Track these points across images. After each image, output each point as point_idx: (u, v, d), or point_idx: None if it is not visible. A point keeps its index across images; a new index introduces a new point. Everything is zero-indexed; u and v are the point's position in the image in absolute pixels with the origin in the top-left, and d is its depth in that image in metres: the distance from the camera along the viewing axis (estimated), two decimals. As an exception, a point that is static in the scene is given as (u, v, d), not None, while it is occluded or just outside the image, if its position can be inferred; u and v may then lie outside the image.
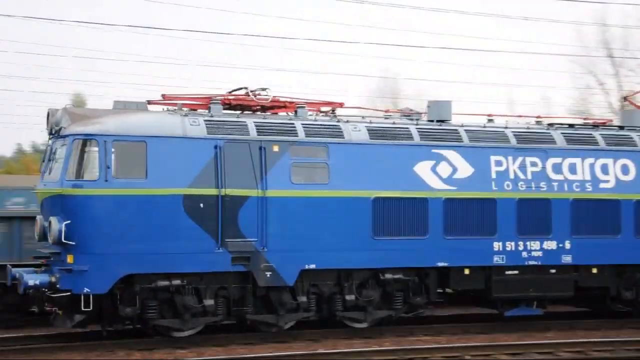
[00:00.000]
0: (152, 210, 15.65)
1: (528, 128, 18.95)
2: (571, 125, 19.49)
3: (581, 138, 18.99)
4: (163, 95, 17.01)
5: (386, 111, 18.79)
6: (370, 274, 17.30)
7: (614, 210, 18.75)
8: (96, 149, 15.54)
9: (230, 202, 16.12)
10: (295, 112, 17.56)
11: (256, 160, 16.41)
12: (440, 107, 18.64)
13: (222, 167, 16.14)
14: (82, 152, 15.62)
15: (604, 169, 18.84)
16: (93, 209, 15.44)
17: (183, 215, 15.81)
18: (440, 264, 17.55)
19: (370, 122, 17.71)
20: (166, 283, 15.85)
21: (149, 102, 17.00)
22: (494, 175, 18.02)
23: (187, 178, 15.91)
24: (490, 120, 19.10)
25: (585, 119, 21.50)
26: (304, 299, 16.92)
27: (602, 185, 18.78)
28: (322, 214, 16.71)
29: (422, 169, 17.51)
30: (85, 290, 15.36)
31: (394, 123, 17.90)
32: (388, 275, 17.27)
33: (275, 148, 16.59)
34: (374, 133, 17.41)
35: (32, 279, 15.56)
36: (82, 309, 15.38)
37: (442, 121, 18.34)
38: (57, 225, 15.37)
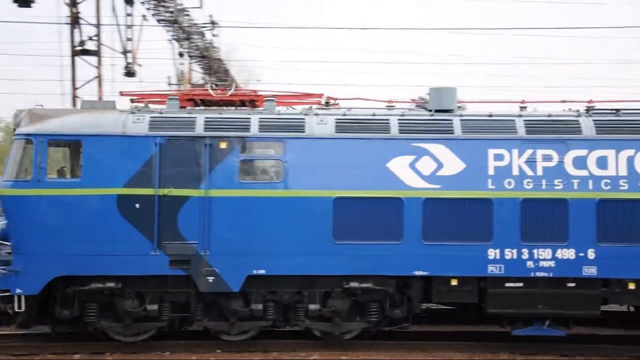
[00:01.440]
0: (85, 211, 15.09)
1: (549, 116, 15.79)
2: (617, 111, 15.94)
3: (618, 125, 15.50)
4: (120, 92, 16.37)
5: (389, 102, 16.52)
6: (336, 282, 15.46)
7: None
8: (40, 147, 15.32)
9: (168, 203, 15.12)
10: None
11: (200, 158, 15.23)
12: (442, 94, 16.07)
13: (161, 166, 15.20)
14: (22, 152, 15.43)
15: None
16: (26, 210, 15.18)
17: (117, 216, 15.08)
18: (418, 273, 15.22)
19: (344, 115, 15.73)
20: (100, 285, 15.29)
21: (121, 94, 16.48)
22: (491, 172, 15.23)
23: (124, 177, 15.15)
24: (523, 108, 16.22)
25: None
26: (259, 306, 15.54)
27: (641, 183, 15.22)
28: (274, 216, 15.16)
29: (398, 165, 15.23)
30: (17, 291, 15.24)
31: (373, 114, 15.77)
32: (354, 284, 15.30)
33: (223, 145, 15.28)
34: (341, 126, 15.44)
35: None
36: (16, 309, 15.31)
37: (445, 111, 15.89)
38: None
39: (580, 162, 15.22)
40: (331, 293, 15.52)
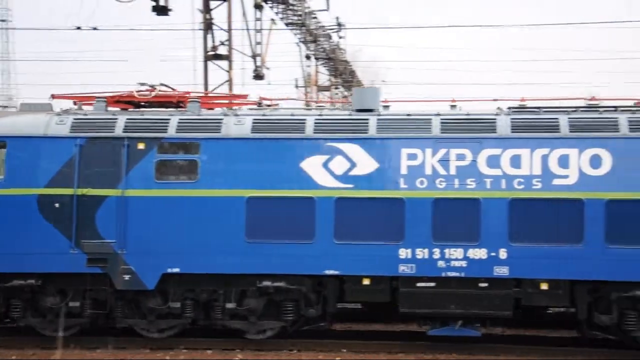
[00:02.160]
0: (8, 210, 15.59)
1: (467, 114, 15.70)
2: (539, 109, 15.69)
3: (533, 124, 15.33)
4: (52, 95, 16.84)
5: (318, 102, 16.66)
6: (250, 281, 15.60)
7: (575, 212, 14.91)
8: (-38, 150, 15.92)
9: (87, 202, 15.51)
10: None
11: (118, 158, 15.58)
12: (365, 94, 16.16)
13: (80, 166, 15.60)
14: (-47, 153, 16.04)
15: (563, 162, 15.05)
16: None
17: (37, 215, 15.53)
18: (330, 272, 15.27)
19: (263, 115, 15.90)
20: (21, 282, 15.73)
21: (53, 96, 16.96)
22: (404, 171, 15.23)
23: (45, 178, 15.61)
24: (453, 107, 16.20)
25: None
26: (177, 305, 15.78)
27: (557, 182, 14.99)
28: (189, 215, 15.39)
29: (311, 164, 15.33)
30: None
31: (291, 115, 15.91)
32: (267, 283, 15.45)
33: (141, 145, 15.61)
34: (257, 126, 15.62)
35: None
36: None
37: (367, 111, 15.93)
38: None
39: (493, 161, 15.10)
40: (246, 292, 15.71)
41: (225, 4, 28.00)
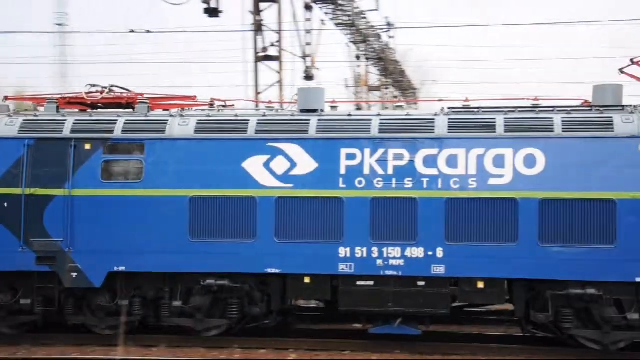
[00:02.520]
0: (-41, 209, 16.04)
1: (407, 115, 15.92)
2: (478, 109, 15.85)
3: (469, 124, 15.52)
4: (5, 97, 17.21)
5: (269, 102, 16.94)
6: (195, 279, 15.91)
7: (509, 211, 15.09)
8: None
9: (35, 202, 15.89)
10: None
11: (66, 159, 15.94)
12: (309, 95, 16.39)
13: (28, 166, 15.97)
14: None
15: (498, 161, 15.22)
16: None
17: None
18: (271, 271, 15.57)
19: (208, 116, 16.19)
20: None
21: (6, 98, 17.36)
22: (343, 171, 15.46)
23: (-7, 177, 16.04)
24: (398, 107, 16.43)
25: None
26: (125, 302, 16.14)
27: (492, 182, 15.18)
28: (134, 214, 15.73)
29: (252, 165, 15.61)
30: None
31: (235, 115, 16.19)
32: (210, 281, 15.76)
33: (87, 146, 15.96)
34: (201, 127, 15.92)
35: None
36: None
37: (312, 111, 16.18)
38: None
39: (430, 161, 15.31)
40: (192, 290, 16.04)
41: (276, 5, 28.30)
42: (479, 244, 15.06)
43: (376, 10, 38.00)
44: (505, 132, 15.23)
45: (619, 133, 14.97)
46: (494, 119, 15.47)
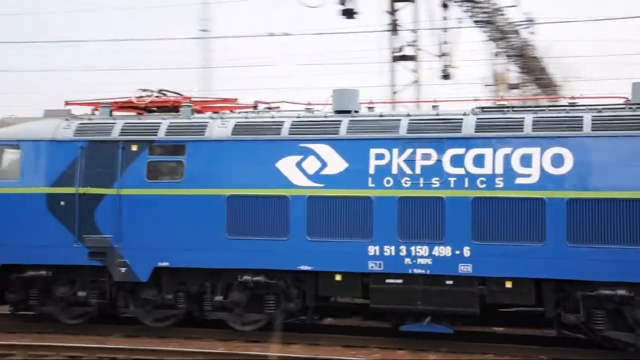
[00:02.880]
0: (22, 207, 17.20)
1: (437, 115, 15.91)
2: (511, 108, 15.73)
3: (496, 124, 15.37)
4: (65, 102, 18.30)
5: (308, 104, 17.30)
6: (233, 275, 16.49)
7: (536, 211, 14.89)
8: (-14, 152, 17.67)
9: (87, 200, 16.89)
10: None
11: (115, 160, 16.85)
12: (344, 96, 16.65)
13: (82, 167, 16.97)
14: (-22, 156, 17.80)
15: (525, 161, 15.02)
16: (-23, 205, 17.57)
17: (46, 211, 17.05)
18: (303, 268, 15.96)
19: (246, 118, 16.71)
20: (34, 273, 17.30)
21: (66, 103, 18.45)
22: (372, 171, 15.66)
23: (52, 178, 17.11)
24: (434, 107, 16.52)
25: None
26: (169, 296, 16.91)
27: (519, 181, 15.01)
28: (176, 213, 16.48)
29: (286, 164, 16.05)
30: None
31: (272, 117, 16.63)
32: (247, 277, 16.30)
33: (134, 147, 16.81)
34: (237, 129, 16.46)
35: None
36: None
37: (346, 112, 16.46)
38: None
39: (457, 161, 15.31)
40: (231, 285, 16.66)
41: (411, 4, 28.44)
42: (505, 243, 15.04)
43: (515, 6, 37.12)
44: (533, 131, 15.08)
45: None
46: (523, 117, 15.33)
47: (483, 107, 16.01)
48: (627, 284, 14.60)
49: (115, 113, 18.03)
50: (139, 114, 18.17)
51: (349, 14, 27.34)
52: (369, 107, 16.87)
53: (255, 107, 17.83)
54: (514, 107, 15.86)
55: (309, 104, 17.25)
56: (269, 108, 17.85)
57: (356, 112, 16.48)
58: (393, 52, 28.12)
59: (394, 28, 28.11)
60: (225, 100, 17.86)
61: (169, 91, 18.09)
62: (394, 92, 28.35)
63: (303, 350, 15.92)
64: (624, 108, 15.24)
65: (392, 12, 28.19)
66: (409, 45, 28.30)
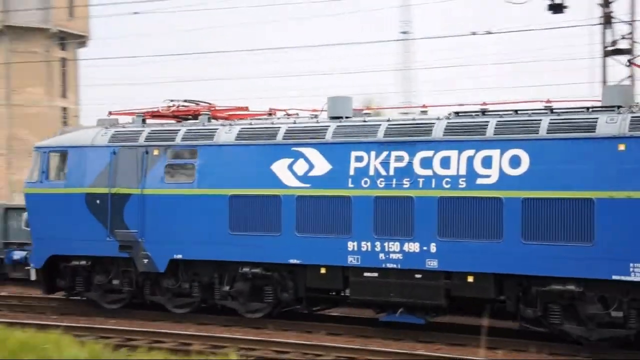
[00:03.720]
0: (67, 205, 19.63)
1: (413, 120, 16.93)
2: (483, 112, 16.55)
3: (464, 127, 16.24)
4: (109, 112, 20.57)
5: (313, 111, 18.73)
6: (237, 267, 18.15)
7: (495, 210, 15.66)
8: (44, 157, 20.20)
9: (117, 199, 19.09)
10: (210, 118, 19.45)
11: (140, 163, 18.97)
12: (338, 103, 17.99)
13: (114, 170, 19.17)
14: (36, 160, 20.37)
15: (486, 162, 15.82)
16: (34, 204, 20.16)
17: (86, 209, 19.39)
18: (293, 261, 17.41)
19: (250, 124, 18.33)
20: (77, 263, 19.65)
21: (110, 113, 20.75)
22: (352, 172, 16.94)
23: (90, 179, 19.49)
24: (423, 112, 17.60)
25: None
26: (186, 285, 18.78)
27: (480, 181, 15.83)
28: (188, 210, 18.40)
29: (279, 167, 17.59)
30: (32, 265, 20.25)
31: (272, 123, 18.17)
32: (245, 269, 17.93)
33: (156, 152, 18.86)
34: (241, 134, 18.13)
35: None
36: (31, 278, 20.33)
37: (339, 118, 17.78)
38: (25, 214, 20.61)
39: (426, 163, 16.34)
40: (235, 277, 18.34)
41: None
42: (468, 240, 15.94)
43: None
44: (495, 134, 15.90)
45: (600, 133, 15.08)
46: (487, 121, 16.17)
47: (457, 112, 16.95)
48: (576, 280, 15.23)
49: (149, 121, 20.25)
50: (178, 122, 20.24)
51: (557, 8, 26.26)
52: (366, 113, 18.18)
53: (270, 114, 19.49)
54: (485, 111, 16.72)
55: (313, 110, 18.74)
56: (288, 115, 19.44)
57: (347, 117, 17.82)
58: (605, 47, 26.27)
59: (607, 21, 26.20)
60: (238, 108, 19.63)
61: (193, 101, 20.09)
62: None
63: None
64: (582, 111, 15.81)
65: (606, 4, 26.31)
66: (623, 38, 26.16)
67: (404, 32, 71.34)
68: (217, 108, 19.84)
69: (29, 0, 61.48)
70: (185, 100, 20.03)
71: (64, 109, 64.64)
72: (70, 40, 65.15)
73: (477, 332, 17.07)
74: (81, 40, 66.37)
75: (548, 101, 16.69)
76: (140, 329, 17.63)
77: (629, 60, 16.38)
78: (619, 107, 15.52)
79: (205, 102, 20.25)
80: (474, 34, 28.10)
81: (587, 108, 15.95)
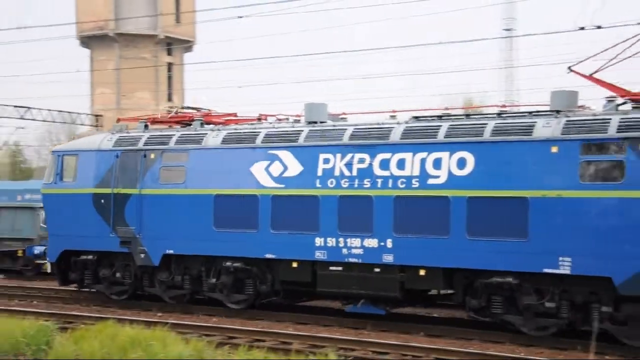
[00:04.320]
0: (77, 204, 21.54)
1: (377, 124, 18.20)
2: (439, 117, 17.72)
3: (419, 131, 17.44)
4: (118, 119, 22.39)
5: (296, 116, 20.19)
6: (221, 261, 19.67)
7: (443, 208, 16.82)
8: (59, 160, 22.18)
9: (119, 198, 20.87)
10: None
11: (139, 166, 20.74)
12: (314, 109, 19.41)
13: (116, 172, 20.96)
14: (52, 163, 22.35)
15: (437, 164, 16.99)
16: (49, 203, 22.14)
17: (92, 208, 21.24)
18: (268, 256, 18.86)
19: (235, 129, 19.88)
20: (85, 257, 21.49)
21: (118, 120, 22.58)
22: (320, 173, 18.34)
23: (96, 180, 21.36)
24: (392, 117, 18.88)
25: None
26: (178, 278, 20.39)
27: (430, 181, 17.00)
28: (178, 209, 20.10)
29: (257, 168, 19.10)
30: (48, 260, 22.22)
31: (253, 128, 19.68)
32: (228, 263, 19.45)
33: (152, 155, 20.60)
34: (226, 138, 19.70)
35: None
36: (47, 271, 22.27)
37: (314, 123, 19.19)
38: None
39: (384, 164, 17.61)
40: (220, 270, 19.87)
41: None
42: (420, 236, 17.14)
43: None
44: (445, 137, 17.08)
45: (536, 136, 16.14)
46: (440, 125, 17.36)
47: (417, 117, 18.18)
48: (514, 273, 16.29)
49: (152, 126, 22.05)
50: (183, 127, 21.95)
51: None
52: (341, 118, 19.59)
53: (259, 119, 21.05)
54: (441, 116, 17.92)
55: (297, 116, 20.24)
56: (279, 120, 20.95)
57: (322, 122, 19.23)
58: None
59: None
60: (227, 114, 21.26)
61: (192, 107, 21.80)
62: None
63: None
64: (525, 115, 16.88)
65: None
66: None
67: (508, 30, 70.90)
68: (212, 114, 21.52)
69: (138, 9, 65.85)
70: (182, 107, 21.78)
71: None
72: (176, 45, 68.58)
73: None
74: (187, 45, 69.52)
75: (503, 106, 17.82)
76: (241, 328, 17.97)
77: (569, 67, 17.19)
78: (558, 111, 16.57)
79: (205, 109, 21.95)
80: (582, 29, 28.97)
81: (530, 112, 17.03)
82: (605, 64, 16.79)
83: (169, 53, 70.52)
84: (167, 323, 16.58)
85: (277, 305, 20.29)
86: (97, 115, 56.44)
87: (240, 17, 31.20)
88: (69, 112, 49.59)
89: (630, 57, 16.66)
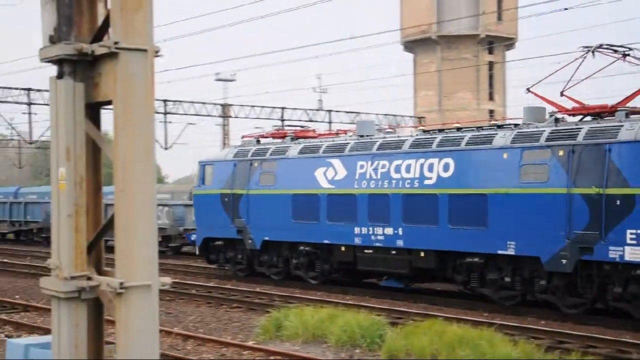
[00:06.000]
0: (212, 202, 27.88)
1: (398, 137, 22.61)
2: (442, 130, 21.86)
3: (421, 142, 21.68)
4: (242, 136, 28.41)
5: (337, 131, 25.14)
6: (299, 246, 25.00)
7: (434, 203, 21.02)
8: (202, 168, 28.69)
9: (236, 197, 26.90)
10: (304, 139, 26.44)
11: (247, 172, 26.56)
12: (364, 125, 24.30)
13: (234, 177, 26.96)
14: (199, 171, 28.89)
15: (430, 168, 21.18)
16: (196, 202, 28.91)
17: (220, 205, 27.47)
18: (326, 241, 23.92)
19: (310, 142, 25.09)
20: (216, 243, 27.75)
21: (243, 137, 28.58)
22: (357, 177, 23.15)
23: (222, 184, 27.58)
24: (425, 132, 23.38)
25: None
26: (275, 259, 26.03)
27: (426, 182, 21.24)
28: (272, 205, 25.71)
29: (319, 173, 24.29)
30: (196, 244, 28.91)
31: (319, 142, 24.78)
32: (303, 247, 24.73)
33: (255, 164, 26.35)
34: (301, 150, 24.97)
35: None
36: (197, 253, 28.98)
37: (362, 136, 24.06)
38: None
39: (397, 169, 22.15)
40: (300, 253, 25.22)
41: None
42: (419, 225, 21.56)
43: None
44: (437, 147, 21.36)
45: (494, 145, 20.04)
46: (435, 137, 21.63)
47: (424, 130, 22.54)
48: (480, 254, 20.32)
49: (264, 140, 27.97)
50: (283, 140, 27.66)
51: None
52: (388, 132, 24.33)
53: (337, 134, 26.22)
54: (441, 130, 22.16)
55: (342, 132, 25.22)
56: (338, 133, 26.04)
57: (368, 136, 24.04)
58: None
59: None
60: (306, 131, 26.67)
61: (288, 125, 27.38)
62: None
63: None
64: (493, 128, 20.74)
65: None
66: None
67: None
68: (301, 130, 27.10)
69: (460, 10, 67.49)
70: (281, 127, 27.43)
71: (491, 111, 69.34)
72: (498, 43, 69.31)
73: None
74: (509, 42, 70.40)
75: (503, 119, 21.71)
76: (571, 332, 17.09)
77: (527, 89, 20.81)
78: (515, 124, 20.34)
79: (302, 127, 27.53)
80: None
81: (498, 126, 20.89)
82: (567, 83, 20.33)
83: (490, 52, 70.67)
84: (493, 324, 16.72)
85: (611, 312, 18.86)
86: (419, 117, 60.28)
87: (566, 9, 29.46)
88: (393, 115, 54.08)
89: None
